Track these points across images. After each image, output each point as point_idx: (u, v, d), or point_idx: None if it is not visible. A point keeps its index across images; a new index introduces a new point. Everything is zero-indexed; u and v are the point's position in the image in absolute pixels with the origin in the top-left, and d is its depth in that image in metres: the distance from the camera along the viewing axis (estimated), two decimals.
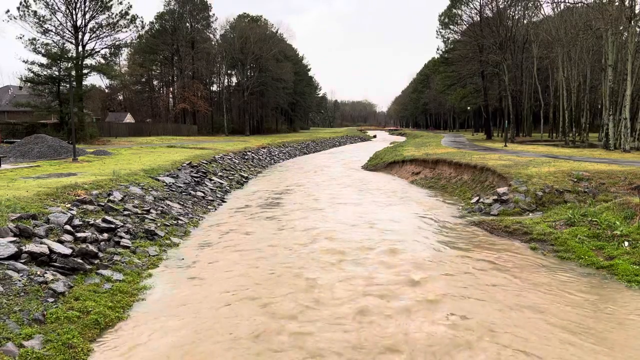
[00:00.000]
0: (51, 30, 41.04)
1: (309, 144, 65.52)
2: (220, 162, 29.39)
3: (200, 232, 14.20)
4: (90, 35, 42.85)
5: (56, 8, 40.54)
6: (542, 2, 50.88)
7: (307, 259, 11.17)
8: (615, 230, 11.40)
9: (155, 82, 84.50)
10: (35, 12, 39.82)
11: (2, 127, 38.20)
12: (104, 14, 42.75)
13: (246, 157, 36.82)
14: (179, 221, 14.58)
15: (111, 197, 13.59)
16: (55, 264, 8.47)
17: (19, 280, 7.45)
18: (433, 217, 16.30)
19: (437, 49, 75.78)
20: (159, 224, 13.29)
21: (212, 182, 23.07)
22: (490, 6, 52.86)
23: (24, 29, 74.12)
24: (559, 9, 43.75)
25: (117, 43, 46.23)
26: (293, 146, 57.28)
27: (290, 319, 7.74)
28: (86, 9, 41.65)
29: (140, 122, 66.20)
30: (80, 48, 42.12)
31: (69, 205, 11.59)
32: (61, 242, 9.41)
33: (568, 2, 39.12)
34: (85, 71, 41.82)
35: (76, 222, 10.59)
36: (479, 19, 54.20)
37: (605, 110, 33.26)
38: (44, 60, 39.23)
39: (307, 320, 7.71)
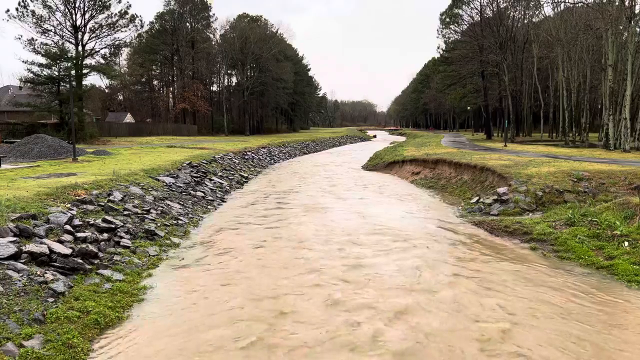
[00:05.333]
0: (50, 30, 41.12)
1: (309, 144, 65.53)
2: (220, 162, 29.38)
3: (200, 232, 14.20)
4: (90, 35, 42.93)
5: (55, 8, 40.59)
6: (542, 2, 50.88)
7: (307, 259, 11.16)
8: (615, 230, 11.40)
9: (155, 82, 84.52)
10: (33, 12, 39.85)
11: (2, 127, 38.21)
12: (103, 13, 42.85)
13: (246, 157, 36.82)
14: (179, 221, 14.58)
15: (111, 197, 13.59)
16: (55, 264, 8.47)
17: (19, 280, 7.45)
18: (433, 216, 16.30)
19: (438, 48, 76.04)
20: (159, 224, 13.28)
21: (212, 182, 23.07)
22: (491, 6, 52.94)
23: (24, 29, 74.33)
24: (559, 9, 43.80)
25: (116, 43, 46.34)
26: (293, 146, 57.28)
27: (289, 319, 7.74)
28: (85, 9, 41.68)
29: (140, 122, 66.20)
30: (79, 48, 42.15)
31: (69, 205, 11.59)
32: (61, 242, 9.40)
33: (568, 2, 39.14)
34: (85, 71, 41.85)
35: (76, 222, 10.59)
36: (479, 18, 54.24)
37: (605, 110, 33.27)
38: (43, 61, 39.30)
39: (305, 334, 7.70)
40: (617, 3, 31.14)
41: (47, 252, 8.58)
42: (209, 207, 18.26)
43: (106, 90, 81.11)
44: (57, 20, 41.21)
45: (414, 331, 7.24)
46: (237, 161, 32.86)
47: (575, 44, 38.82)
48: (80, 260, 8.98)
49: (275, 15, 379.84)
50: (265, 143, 50.19)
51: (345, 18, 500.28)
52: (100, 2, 41.93)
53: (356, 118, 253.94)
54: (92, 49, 43.95)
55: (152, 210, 14.09)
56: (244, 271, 10.24)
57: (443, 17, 61.52)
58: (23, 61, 76.22)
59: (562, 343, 6.82)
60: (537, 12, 54.40)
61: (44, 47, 39.76)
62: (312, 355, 6.55)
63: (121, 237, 11.12)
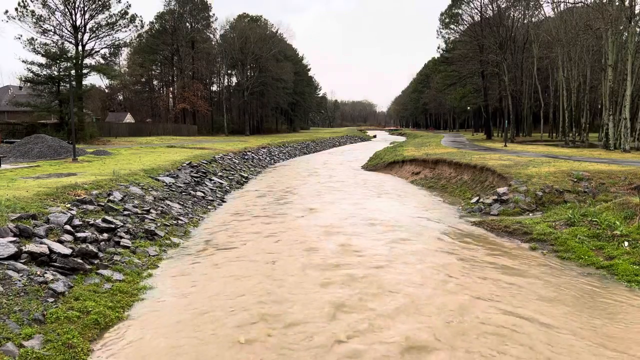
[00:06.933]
0: (50, 30, 41.10)
1: (309, 144, 65.54)
2: (220, 162, 29.39)
3: (200, 232, 14.20)
4: (90, 35, 42.90)
5: (54, 8, 40.59)
6: (542, 2, 50.91)
7: (307, 260, 11.16)
8: (615, 230, 11.40)
9: (155, 82, 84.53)
10: (33, 12, 39.83)
11: (2, 127, 38.20)
12: (103, 13, 42.84)
13: (246, 157, 36.82)
14: (179, 221, 14.58)
15: (111, 197, 13.59)
16: (55, 264, 8.47)
17: (19, 280, 7.45)
18: (433, 216, 16.29)
19: (438, 48, 76.13)
20: (159, 224, 13.28)
21: (212, 182, 23.07)
22: (491, 6, 52.96)
23: (23, 29, 74.41)
24: (558, 9, 43.81)
25: (116, 43, 46.30)
26: (293, 146, 57.29)
27: (291, 321, 7.74)
28: (85, 9, 41.66)
29: (140, 122, 66.20)
30: (79, 48, 42.13)
31: (69, 205, 11.59)
32: (61, 242, 9.40)
33: (568, 2, 39.14)
34: (85, 71, 41.85)
35: (76, 222, 10.59)
36: (479, 18, 54.26)
37: (605, 110, 33.27)
38: (43, 60, 39.30)
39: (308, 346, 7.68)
40: (617, 3, 31.14)
41: (47, 252, 8.58)
42: (209, 207, 18.26)
43: (106, 90, 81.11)
44: (56, 20, 41.26)
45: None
46: (237, 161, 32.86)
47: (575, 44, 38.82)
48: (80, 260, 8.98)
49: (275, 15, 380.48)
50: (265, 143, 50.19)
51: (345, 18, 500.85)
52: (100, 2, 41.92)
53: (356, 118, 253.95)
54: (92, 49, 43.97)
55: (152, 210, 14.09)
56: (245, 270, 10.23)
57: (443, 17, 61.61)
58: (23, 61, 76.10)
59: (562, 343, 6.82)
60: (537, 12, 54.47)
61: (44, 47, 39.75)
62: None
63: (121, 237, 11.11)
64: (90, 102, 59.34)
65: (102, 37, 43.90)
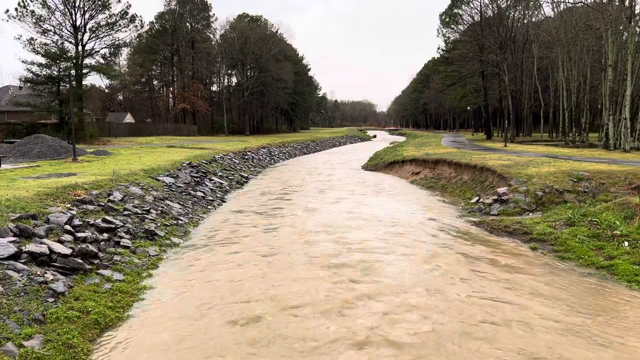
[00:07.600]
0: (50, 30, 41.13)
1: (309, 144, 65.53)
2: (220, 162, 29.39)
3: (200, 232, 14.20)
4: (90, 35, 42.92)
5: (54, 8, 40.61)
6: (542, 2, 50.90)
7: (307, 257, 11.15)
8: (615, 230, 11.40)
9: (155, 82, 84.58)
10: (33, 12, 39.84)
11: (2, 127, 38.19)
12: (103, 13, 42.88)
13: (246, 157, 36.82)
14: (179, 221, 14.58)
15: (111, 197, 13.59)
16: (55, 264, 8.47)
17: (19, 280, 7.45)
18: (432, 216, 16.29)
19: (438, 48, 76.25)
20: (159, 224, 13.28)
21: (212, 182, 23.07)
22: (491, 6, 52.99)
23: (23, 28, 74.49)
24: (558, 9, 43.82)
25: (116, 43, 46.32)
26: (293, 146, 57.29)
27: (287, 313, 7.74)
28: (85, 9, 41.68)
29: (140, 122, 66.23)
30: (79, 48, 42.14)
31: (69, 205, 11.59)
32: (61, 242, 9.41)
33: (568, 2, 39.15)
34: (84, 71, 41.83)
35: (76, 222, 10.59)
36: (479, 18, 54.27)
37: (605, 110, 33.28)
38: (43, 60, 39.30)
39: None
40: (617, 3, 31.14)
41: (47, 252, 8.58)
42: (209, 207, 18.26)
43: (106, 90, 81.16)
44: (56, 20, 41.28)
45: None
46: (237, 161, 32.86)
47: (575, 44, 38.83)
48: (80, 260, 8.98)
49: (275, 15, 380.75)
50: (265, 143, 50.19)
51: (344, 18, 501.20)
52: (100, 2, 41.93)
53: (356, 118, 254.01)
54: (92, 49, 43.98)
55: (152, 210, 14.08)
56: (245, 270, 10.23)
57: (443, 17, 61.62)
58: (23, 61, 76.21)
59: (562, 344, 6.82)
60: (537, 12, 54.49)
61: (44, 47, 39.76)
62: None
63: (121, 237, 11.11)
64: (90, 102, 59.36)
65: (102, 37, 43.97)
